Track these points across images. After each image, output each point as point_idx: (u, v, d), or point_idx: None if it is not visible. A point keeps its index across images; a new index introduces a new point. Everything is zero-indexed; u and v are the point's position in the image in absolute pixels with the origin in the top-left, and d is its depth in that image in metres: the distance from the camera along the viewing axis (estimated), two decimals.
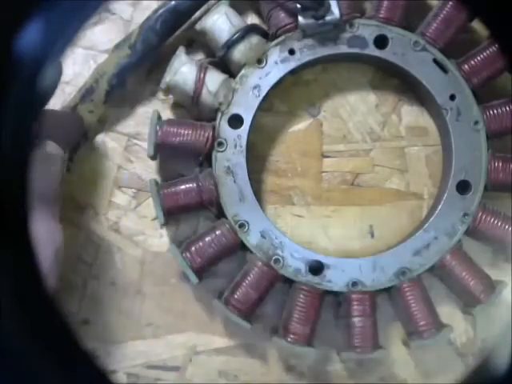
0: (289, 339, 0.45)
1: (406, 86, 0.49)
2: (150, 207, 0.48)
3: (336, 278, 0.45)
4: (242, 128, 0.45)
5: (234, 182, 0.45)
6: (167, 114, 0.48)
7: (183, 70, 0.45)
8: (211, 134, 0.45)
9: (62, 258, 0.39)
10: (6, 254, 0.22)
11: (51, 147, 0.41)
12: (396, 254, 0.46)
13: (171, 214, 0.46)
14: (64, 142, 0.42)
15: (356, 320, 0.45)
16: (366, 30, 0.46)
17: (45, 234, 0.38)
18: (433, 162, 0.49)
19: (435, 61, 0.46)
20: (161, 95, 0.48)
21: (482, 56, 0.46)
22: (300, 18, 0.45)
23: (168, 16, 0.46)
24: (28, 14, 0.22)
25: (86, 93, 0.47)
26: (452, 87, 0.46)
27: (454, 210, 0.46)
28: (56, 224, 0.40)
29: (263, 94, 0.45)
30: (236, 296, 0.45)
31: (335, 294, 0.46)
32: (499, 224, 0.46)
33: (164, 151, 0.46)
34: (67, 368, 0.22)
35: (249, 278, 0.45)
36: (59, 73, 0.40)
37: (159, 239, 0.48)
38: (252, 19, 0.49)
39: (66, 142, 0.43)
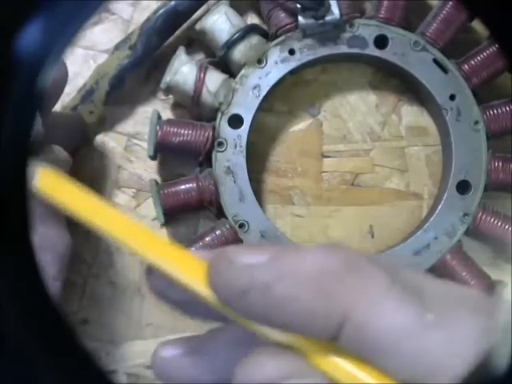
0: None
1: (405, 85, 0.49)
2: (149, 207, 0.47)
3: None
4: (242, 128, 0.45)
5: (234, 182, 0.45)
6: (167, 114, 0.48)
7: (183, 69, 0.45)
8: (211, 133, 0.45)
9: (68, 262, 0.39)
10: (5, 253, 0.22)
11: (58, 152, 0.41)
12: (396, 254, 0.46)
13: (171, 214, 0.46)
14: (68, 145, 0.42)
15: None
16: (366, 30, 0.46)
17: (52, 239, 0.38)
18: (433, 162, 0.49)
19: (435, 61, 0.46)
20: (161, 95, 0.48)
21: (482, 56, 0.46)
22: (300, 18, 0.45)
23: (168, 16, 0.46)
24: (28, 13, 0.22)
25: (87, 94, 0.47)
26: (452, 87, 0.46)
27: (454, 210, 0.46)
28: (64, 229, 0.39)
29: (263, 93, 0.45)
30: None
31: None
32: (499, 224, 0.46)
33: (164, 151, 0.46)
34: (67, 368, 0.22)
35: None
36: (65, 74, 0.39)
37: None
38: (252, 19, 0.49)
39: (70, 145, 0.43)
